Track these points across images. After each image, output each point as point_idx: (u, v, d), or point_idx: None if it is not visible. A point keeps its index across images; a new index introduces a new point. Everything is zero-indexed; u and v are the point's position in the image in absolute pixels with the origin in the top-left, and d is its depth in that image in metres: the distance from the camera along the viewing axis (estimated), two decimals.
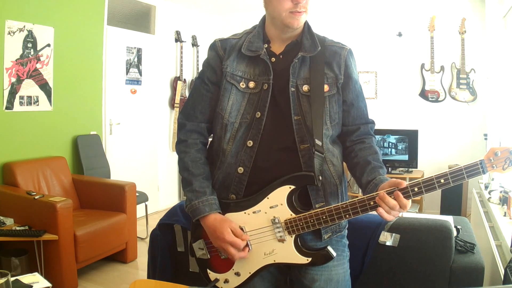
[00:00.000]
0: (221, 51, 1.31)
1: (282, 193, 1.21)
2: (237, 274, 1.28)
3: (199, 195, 1.26)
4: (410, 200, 1.10)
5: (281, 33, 1.28)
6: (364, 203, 1.13)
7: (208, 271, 1.32)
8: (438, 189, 1.09)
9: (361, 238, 1.76)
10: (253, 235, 1.24)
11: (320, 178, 1.22)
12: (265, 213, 1.22)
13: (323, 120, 1.25)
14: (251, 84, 1.27)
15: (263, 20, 1.32)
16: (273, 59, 1.28)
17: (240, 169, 1.25)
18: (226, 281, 1.29)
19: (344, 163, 1.35)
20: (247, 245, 1.24)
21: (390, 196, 1.09)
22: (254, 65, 1.28)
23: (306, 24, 1.30)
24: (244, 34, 1.33)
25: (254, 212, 1.23)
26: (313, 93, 1.24)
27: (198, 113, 1.33)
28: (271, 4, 1.23)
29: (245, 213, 1.25)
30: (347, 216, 1.15)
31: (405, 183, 1.10)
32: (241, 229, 1.24)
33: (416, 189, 1.09)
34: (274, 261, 1.24)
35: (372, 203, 1.12)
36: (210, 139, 1.39)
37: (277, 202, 1.21)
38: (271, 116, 1.25)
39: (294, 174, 1.21)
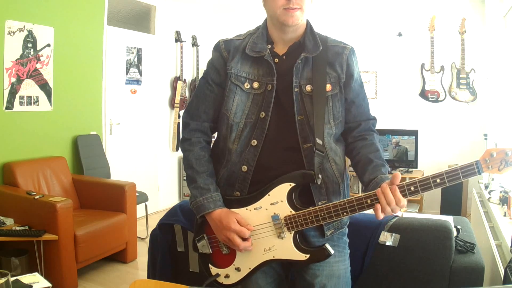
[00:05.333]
0: (225, 52, 1.33)
1: (282, 190, 1.23)
2: (238, 269, 1.30)
3: (203, 192, 1.29)
4: (406, 198, 1.12)
5: (282, 33, 1.29)
6: (361, 201, 1.15)
7: (210, 266, 1.35)
8: (434, 189, 1.10)
9: (361, 238, 1.76)
10: (253, 231, 1.26)
11: (320, 176, 1.23)
12: (266, 209, 1.25)
13: (326, 120, 1.27)
14: (255, 85, 1.29)
15: (266, 21, 1.34)
16: (277, 60, 1.29)
17: (244, 168, 1.27)
18: (226, 276, 1.32)
19: (347, 160, 1.36)
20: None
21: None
22: (258, 66, 1.30)
23: (309, 25, 1.32)
24: (247, 35, 1.35)
25: (255, 209, 1.26)
26: (316, 93, 1.26)
27: (202, 112, 1.36)
28: (267, 3, 1.26)
29: (246, 209, 1.27)
30: (345, 213, 1.17)
31: (399, 178, 1.11)
32: (243, 219, 1.26)
33: (412, 188, 1.11)
34: (274, 257, 1.26)
35: (369, 201, 1.14)
36: (213, 139, 1.42)
37: (277, 199, 1.23)
38: (275, 116, 1.27)
39: (295, 172, 1.23)
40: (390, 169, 4.38)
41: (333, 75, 1.29)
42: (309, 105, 1.25)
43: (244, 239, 1.24)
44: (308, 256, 1.23)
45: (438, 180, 1.09)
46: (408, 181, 1.12)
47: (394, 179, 1.11)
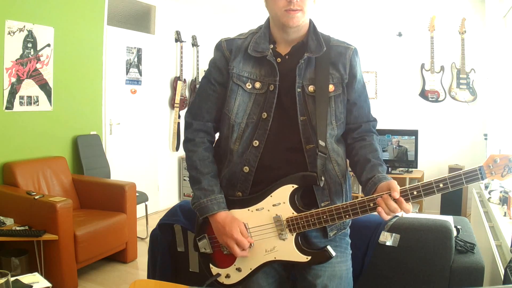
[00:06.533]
0: (226, 52, 1.32)
1: (285, 191, 1.23)
2: (238, 269, 1.30)
3: (207, 193, 1.28)
4: (411, 204, 1.12)
5: (284, 34, 1.28)
6: (364, 204, 1.15)
7: (211, 265, 1.35)
8: (437, 193, 1.10)
9: (361, 238, 1.76)
10: (255, 232, 1.26)
11: (323, 178, 1.23)
12: (268, 210, 1.24)
13: (328, 121, 1.26)
14: (257, 85, 1.28)
15: (268, 20, 1.33)
16: (279, 60, 1.28)
17: (246, 168, 1.27)
18: (227, 276, 1.32)
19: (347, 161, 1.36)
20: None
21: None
22: (260, 66, 1.29)
23: (312, 25, 1.31)
24: (249, 35, 1.34)
25: (257, 210, 1.26)
26: (318, 93, 1.25)
27: (205, 112, 1.35)
28: (268, 4, 1.25)
29: (248, 210, 1.27)
30: (347, 216, 1.17)
31: (397, 194, 1.10)
32: (244, 225, 1.27)
33: (415, 193, 1.11)
34: (275, 258, 1.26)
35: (371, 204, 1.14)
36: (216, 138, 1.41)
37: (279, 200, 1.23)
38: (277, 116, 1.26)
39: (297, 173, 1.22)
40: (390, 169, 4.38)
41: (336, 75, 1.28)
42: (311, 105, 1.25)
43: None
44: (309, 258, 1.23)
45: (441, 185, 1.08)
46: (411, 185, 1.12)
47: (393, 192, 1.10)
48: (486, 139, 4.16)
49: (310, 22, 1.31)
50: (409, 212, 1.12)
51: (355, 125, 1.34)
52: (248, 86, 1.29)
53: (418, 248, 1.72)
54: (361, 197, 1.17)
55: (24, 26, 3.40)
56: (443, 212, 4.33)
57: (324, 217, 1.18)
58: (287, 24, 1.22)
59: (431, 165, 4.71)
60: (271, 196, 1.24)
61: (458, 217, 2.19)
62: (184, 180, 5.41)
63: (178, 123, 5.24)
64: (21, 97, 3.42)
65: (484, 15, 4.35)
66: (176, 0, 5.12)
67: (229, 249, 1.26)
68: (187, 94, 5.42)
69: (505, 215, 2.53)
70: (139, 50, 4.67)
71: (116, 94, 4.40)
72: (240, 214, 1.27)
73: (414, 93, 4.91)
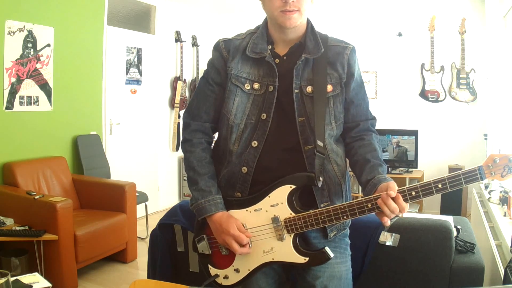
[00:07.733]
0: (225, 52, 1.32)
1: (283, 192, 1.22)
2: (237, 270, 1.30)
3: (205, 194, 1.28)
4: (408, 203, 1.11)
5: (282, 34, 1.28)
6: (361, 205, 1.14)
7: (209, 266, 1.34)
8: (436, 194, 1.09)
9: (361, 238, 1.76)
10: (253, 233, 1.26)
11: (321, 178, 1.23)
12: (266, 211, 1.24)
13: (327, 121, 1.26)
14: (256, 86, 1.28)
15: (266, 21, 1.33)
16: (277, 61, 1.28)
17: (244, 169, 1.26)
18: (225, 277, 1.32)
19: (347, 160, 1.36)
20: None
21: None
22: (259, 67, 1.29)
23: (310, 25, 1.30)
24: (248, 35, 1.33)
25: (255, 210, 1.25)
26: (316, 94, 1.25)
27: (203, 113, 1.35)
28: (265, 5, 1.25)
29: (247, 210, 1.27)
30: (345, 217, 1.17)
31: (393, 193, 1.09)
32: (243, 226, 1.26)
33: (413, 193, 1.10)
34: (273, 259, 1.26)
35: (369, 205, 1.13)
36: (215, 138, 1.41)
37: (277, 201, 1.23)
38: (276, 117, 1.26)
39: (295, 174, 1.22)
40: (390, 169, 4.38)
41: (334, 75, 1.28)
42: (310, 106, 1.24)
43: (242, 245, 1.24)
44: (307, 259, 1.23)
45: (439, 185, 1.07)
46: (409, 186, 1.11)
47: (389, 191, 1.09)
48: (486, 139, 4.17)
49: (308, 22, 1.30)
50: (405, 211, 1.10)
51: (353, 123, 1.33)
52: (247, 87, 1.28)
53: (418, 248, 1.72)
54: (361, 197, 1.16)
55: (24, 26, 3.40)
56: (443, 212, 4.33)
57: (322, 217, 1.18)
58: (284, 25, 1.22)
59: (431, 165, 4.71)
60: (269, 196, 1.23)
61: (458, 217, 2.19)
62: (184, 180, 5.41)
63: (178, 123, 5.24)
64: (21, 97, 3.42)
65: (484, 15, 4.35)
66: (176, 0, 5.12)
67: (228, 247, 1.26)
68: (187, 94, 5.42)
69: (505, 215, 2.53)
70: (139, 50, 4.67)
71: (116, 94, 4.40)
72: (238, 215, 1.27)
73: (414, 93, 4.91)
